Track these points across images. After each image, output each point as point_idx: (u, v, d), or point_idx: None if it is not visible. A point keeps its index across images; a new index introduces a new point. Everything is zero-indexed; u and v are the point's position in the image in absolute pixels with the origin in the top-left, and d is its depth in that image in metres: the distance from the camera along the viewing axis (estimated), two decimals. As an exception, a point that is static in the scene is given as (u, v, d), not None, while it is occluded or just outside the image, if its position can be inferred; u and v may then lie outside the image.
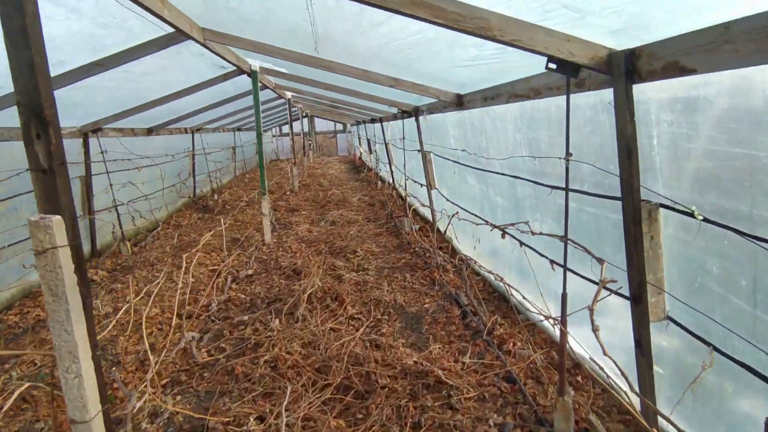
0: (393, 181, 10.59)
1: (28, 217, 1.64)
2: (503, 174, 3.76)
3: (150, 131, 7.78)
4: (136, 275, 5.07)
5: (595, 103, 2.32)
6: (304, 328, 3.49)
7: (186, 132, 9.61)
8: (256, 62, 5.77)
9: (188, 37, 3.57)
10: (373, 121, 11.76)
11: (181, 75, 5.24)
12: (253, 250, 5.88)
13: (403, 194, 8.62)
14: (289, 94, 10.27)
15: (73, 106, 5.20)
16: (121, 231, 6.47)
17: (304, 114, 19.88)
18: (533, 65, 2.57)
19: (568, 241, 2.08)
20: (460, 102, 4.21)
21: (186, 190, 9.60)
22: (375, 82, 4.26)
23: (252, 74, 5.84)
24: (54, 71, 3.58)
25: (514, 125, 3.42)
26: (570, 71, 1.95)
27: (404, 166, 7.83)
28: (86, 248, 6.06)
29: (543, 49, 1.89)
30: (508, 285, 3.11)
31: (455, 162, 5.18)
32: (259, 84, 7.56)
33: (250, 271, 5.05)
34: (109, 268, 5.60)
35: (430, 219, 6.74)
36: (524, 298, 2.93)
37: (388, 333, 3.49)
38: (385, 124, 10.47)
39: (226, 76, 5.82)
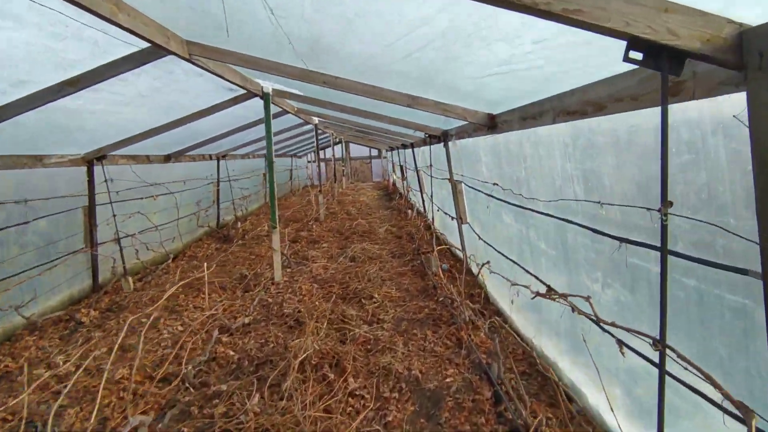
0: (424, 210, 9.82)
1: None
2: (548, 215, 2.91)
3: (168, 158, 7.48)
4: (121, 320, 4.52)
5: (699, 120, 1.48)
6: (287, 411, 2.73)
7: (210, 159, 9.35)
8: (268, 84, 5.28)
9: (167, 51, 3.04)
10: (404, 146, 11.14)
11: (183, 98, 4.79)
12: (259, 290, 5.25)
13: (433, 227, 7.82)
14: (315, 119, 9.85)
15: (78, 131, 4.87)
16: (123, 265, 6.04)
17: (337, 140, 19.66)
18: (595, 68, 1.78)
19: (669, 350, 1.23)
20: (492, 124, 3.44)
21: (206, 219, 9.25)
22: (388, 101, 3.58)
23: (264, 97, 5.35)
24: (14, 93, 3.17)
25: (562, 152, 2.60)
26: (668, 63, 1.15)
27: (431, 196, 7.05)
28: (86, 283, 5.65)
29: (621, 25, 1.11)
30: (552, 375, 2.23)
31: (489, 195, 4.36)
32: (279, 108, 7.17)
33: (247, 319, 4.38)
34: (103, 308, 5.11)
35: (461, 256, 5.89)
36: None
37: (395, 422, 2.66)
38: (416, 149, 9.81)
39: (236, 100, 5.36)
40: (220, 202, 10.08)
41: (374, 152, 25.30)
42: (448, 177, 5.78)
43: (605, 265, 2.26)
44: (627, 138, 1.96)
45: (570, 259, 2.73)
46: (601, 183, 2.23)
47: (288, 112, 7.70)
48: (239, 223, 9.96)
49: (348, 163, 24.77)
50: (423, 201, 9.77)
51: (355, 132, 12.14)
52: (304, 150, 21.08)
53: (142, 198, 6.82)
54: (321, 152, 24.52)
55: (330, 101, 5.59)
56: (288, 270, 6.12)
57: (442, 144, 5.73)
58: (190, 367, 3.25)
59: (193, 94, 4.74)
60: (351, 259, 6.53)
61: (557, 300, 2.34)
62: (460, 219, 5.48)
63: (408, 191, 11.37)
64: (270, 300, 4.97)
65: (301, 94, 5.73)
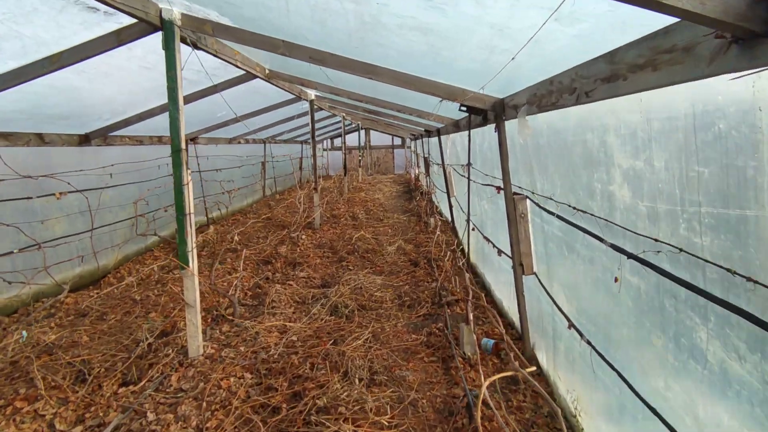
0: (452, 221, 7.27)
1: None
2: None
3: (87, 139, 5.22)
4: None
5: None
6: None
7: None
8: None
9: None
10: (429, 133, 8.57)
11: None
12: (142, 386, 2.90)
13: (461, 255, 5.28)
14: (312, 94, 7.43)
15: None
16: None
17: (349, 126, 17.19)
18: None
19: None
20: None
21: (157, 225, 7.00)
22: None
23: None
24: None
25: None
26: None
27: (467, 208, 4.53)
28: None
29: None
30: None
31: (574, 226, 1.84)
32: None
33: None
34: None
35: (518, 326, 3.39)
36: None
37: None
38: (445, 137, 7.26)
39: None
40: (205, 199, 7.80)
41: (397, 141, 22.72)
42: (500, 185, 3.25)
43: None
44: None
45: None
46: None
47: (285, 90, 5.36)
48: (210, 227, 7.68)
49: (368, 152, 22.31)
50: (451, 208, 7.24)
51: (371, 116, 9.68)
52: (318, 137, 18.75)
53: (31, 198, 4.58)
54: (334, 140, 22.16)
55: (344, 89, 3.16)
56: (220, 332, 3.73)
57: (490, 126, 3.21)
58: None
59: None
60: (332, 309, 4.09)
61: None
62: (521, 266, 2.95)
63: (432, 191, 8.81)
64: (152, 413, 2.60)
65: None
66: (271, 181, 13.02)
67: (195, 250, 3.13)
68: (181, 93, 2.98)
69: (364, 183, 15.84)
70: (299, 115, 9.61)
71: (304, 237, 7.09)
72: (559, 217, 2.46)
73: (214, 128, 7.67)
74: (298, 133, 13.39)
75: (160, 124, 5.89)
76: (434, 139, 8.40)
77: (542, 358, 2.99)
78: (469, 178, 4.29)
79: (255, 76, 5.02)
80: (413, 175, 15.66)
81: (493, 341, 3.28)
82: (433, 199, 8.95)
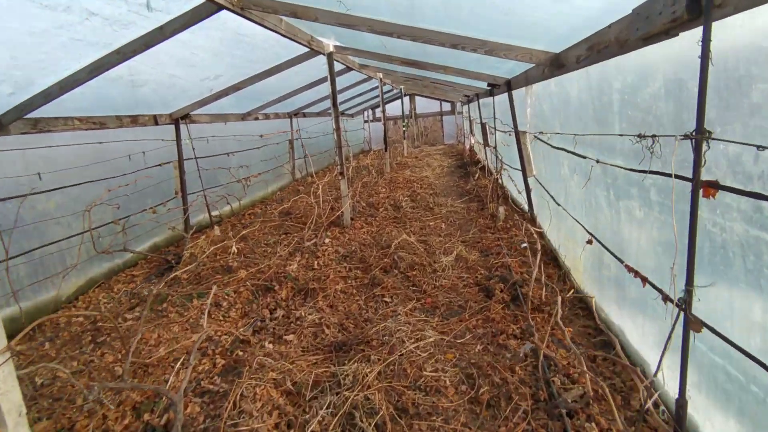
0: (530, 209, 5.11)
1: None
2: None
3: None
4: None
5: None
6: None
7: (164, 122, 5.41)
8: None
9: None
10: (492, 92, 6.31)
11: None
12: None
13: (561, 278, 3.19)
14: (331, 45, 5.43)
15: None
16: None
17: (391, 93, 15.02)
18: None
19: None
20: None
21: (167, 218, 5.44)
22: None
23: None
24: None
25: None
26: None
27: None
28: None
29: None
30: None
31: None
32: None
33: None
34: None
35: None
36: None
37: None
38: (517, 92, 5.05)
39: None
40: (186, 190, 6.19)
41: (446, 107, 20.18)
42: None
43: None
44: None
45: None
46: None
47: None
48: (215, 228, 6.02)
49: (414, 121, 20.04)
50: (528, 192, 5.08)
51: (415, 82, 7.56)
52: (357, 108, 16.73)
53: None
54: (375, 111, 19.95)
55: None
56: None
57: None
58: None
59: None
60: (345, 421, 2.20)
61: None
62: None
63: (500, 172, 6.60)
64: None
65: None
66: (301, 162, 11.25)
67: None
68: None
69: (410, 157, 13.74)
70: (324, 79, 7.62)
71: (327, 241, 5.26)
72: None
73: (211, 100, 5.90)
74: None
75: (107, 99, 4.19)
76: (499, 98, 6.15)
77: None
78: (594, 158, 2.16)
79: (220, 6, 3.12)
80: (467, 146, 13.34)
81: None
82: (502, 179, 6.74)
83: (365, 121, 19.84)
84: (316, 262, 4.54)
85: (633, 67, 2.01)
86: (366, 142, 19.65)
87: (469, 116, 13.04)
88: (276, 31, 4.01)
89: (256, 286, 4.07)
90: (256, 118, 8.54)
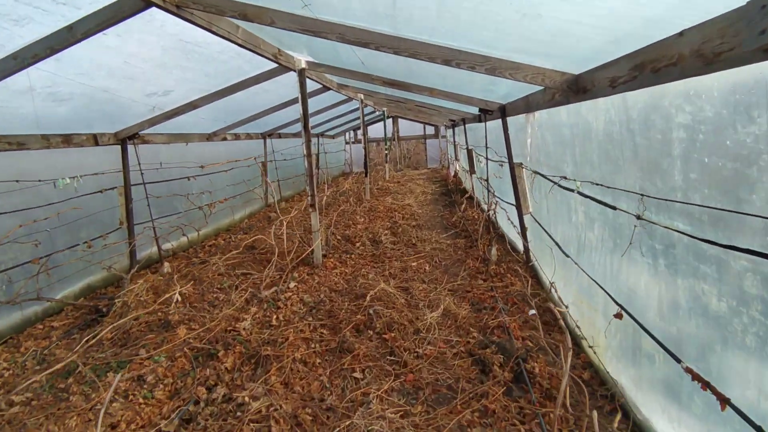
0: (525, 252, 4.44)
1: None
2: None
3: None
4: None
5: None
6: None
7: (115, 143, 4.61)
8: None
9: None
10: (483, 118, 5.72)
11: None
12: None
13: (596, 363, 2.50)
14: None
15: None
16: None
17: (373, 114, 14.49)
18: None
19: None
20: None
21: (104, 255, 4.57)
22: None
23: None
24: None
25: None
26: None
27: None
28: None
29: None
30: None
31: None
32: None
33: None
34: None
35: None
36: None
37: None
38: (512, 119, 4.47)
39: None
40: (132, 221, 5.35)
41: (430, 130, 19.77)
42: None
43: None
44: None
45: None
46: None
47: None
48: (164, 265, 5.17)
49: (396, 143, 19.53)
50: (524, 232, 4.44)
51: (398, 104, 6.97)
52: (338, 130, 16.09)
53: None
54: (357, 132, 19.38)
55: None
56: None
57: None
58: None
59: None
60: None
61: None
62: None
63: (493, 206, 5.95)
64: None
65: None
66: (276, 185, 10.46)
67: None
68: None
69: (392, 181, 13.11)
70: (313, 93, 6.95)
71: (293, 285, 4.48)
72: None
73: (162, 119, 5.14)
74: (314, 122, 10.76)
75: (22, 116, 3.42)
76: (491, 124, 5.57)
77: None
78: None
79: (148, 2, 2.42)
80: (452, 172, 12.81)
81: None
82: (495, 216, 6.09)
83: (347, 143, 19.25)
84: (275, 317, 3.76)
85: (714, 91, 1.37)
86: (347, 164, 19.01)
87: (454, 141, 12.56)
88: (231, 40, 3.32)
89: (196, 350, 3.26)
90: (224, 139, 7.79)
